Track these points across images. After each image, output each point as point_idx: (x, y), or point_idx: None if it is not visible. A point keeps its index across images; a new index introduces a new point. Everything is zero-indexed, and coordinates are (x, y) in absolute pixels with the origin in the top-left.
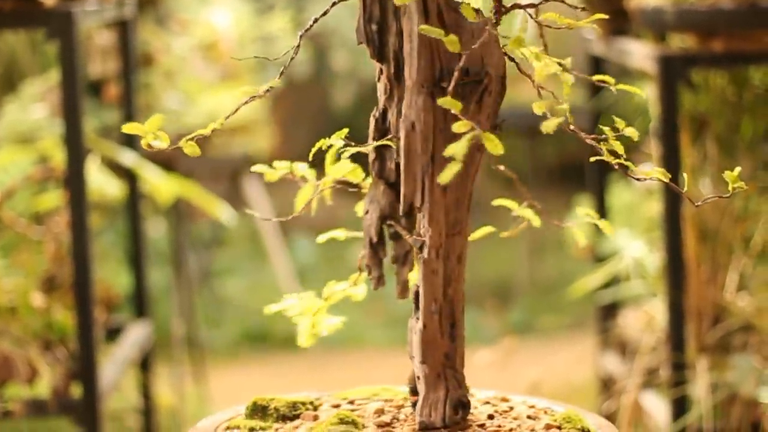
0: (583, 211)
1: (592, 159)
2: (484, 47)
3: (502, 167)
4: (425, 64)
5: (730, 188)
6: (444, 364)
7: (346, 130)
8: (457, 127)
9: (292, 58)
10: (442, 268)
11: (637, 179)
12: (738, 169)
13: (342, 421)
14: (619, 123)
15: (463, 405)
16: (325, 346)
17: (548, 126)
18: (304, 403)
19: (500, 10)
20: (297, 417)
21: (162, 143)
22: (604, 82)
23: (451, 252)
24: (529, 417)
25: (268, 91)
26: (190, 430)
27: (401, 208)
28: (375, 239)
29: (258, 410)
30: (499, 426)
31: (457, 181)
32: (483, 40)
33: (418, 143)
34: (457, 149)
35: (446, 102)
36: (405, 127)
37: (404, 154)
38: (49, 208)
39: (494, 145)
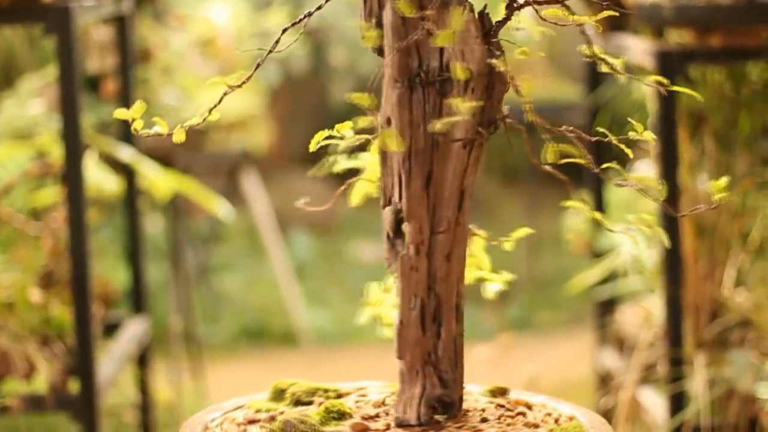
0: (639, 220)
1: (560, 162)
2: (465, 43)
3: (548, 167)
4: (399, 59)
5: (715, 198)
6: (424, 361)
7: (349, 123)
8: (361, 121)
9: (270, 51)
10: (425, 265)
11: (620, 185)
12: (725, 179)
13: (327, 411)
14: (638, 127)
15: (445, 404)
16: (323, 341)
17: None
18: (327, 390)
19: (512, 7)
20: (312, 403)
21: (160, 129)
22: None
23: (437, 250)
24: (526, 425)
25: (245, 82)
26: (214, 405)
27: (381, 202)
28: (392, 233)
29: (277, 394)
30: (479, 430)
31: (442, 178)
32: (418, 36)
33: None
34: (342, 145)
35: (357, 97)
36: (381, 122)
37: (380, 149)
38: (47, 203)
39: (392, 142)
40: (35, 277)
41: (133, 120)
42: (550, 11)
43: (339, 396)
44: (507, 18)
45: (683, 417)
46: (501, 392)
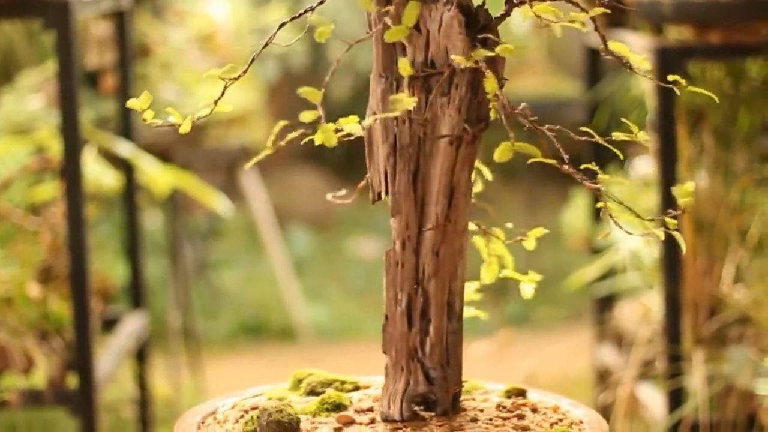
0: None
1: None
2: (447, 38)
3: (568, 168)
4: (384, 54)
5: (680, 202)
6: (410, 357)
7: (354, 118)
8: (303, 115)
9: (267, 44)
10: (413, 261)
11: (590, 188)
12: (691, 183)
13: (323, 402)
14: (633, 128)
15: (430, 402)
16: (322, 337)
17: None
18: (344, 382)
19: (512, 3)
20: (323, 393)
21: (173, 119)
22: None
23: (425, 246)
24: (515, 427)
25: (241, 75)
26: (236, 392)
27: (371, 197)
28: None
29: (295, 384)
30: (461, 428)
31: (429, 174)
32: (377, 31)
33: (379, 133)
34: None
35: (303, 91)
36: (367, 116)
37: (367, 144)
38: (46, 198)
39: (326, 137)
40: (34, 272)
41: (143, 110)
42: (542, 7)
43: (356, 388)
44: (506, 14)
45: (682, 413)
46: (518, 393)
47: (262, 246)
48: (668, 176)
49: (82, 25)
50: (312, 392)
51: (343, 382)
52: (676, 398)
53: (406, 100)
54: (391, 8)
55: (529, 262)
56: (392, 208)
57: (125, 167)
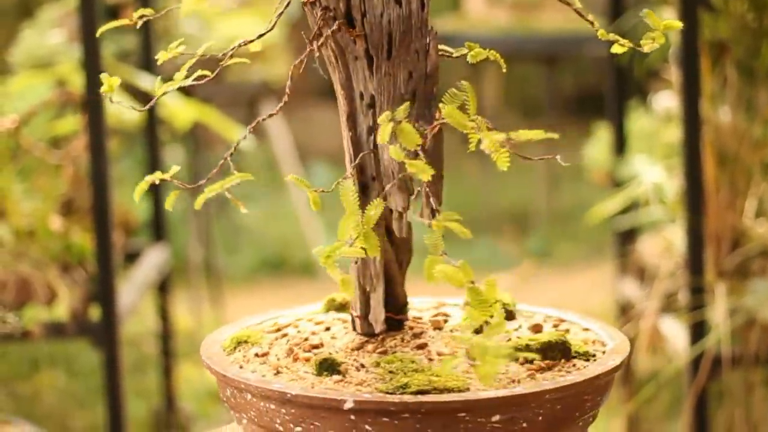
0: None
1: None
2: None
3: None
4: None
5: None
6: None
7: None
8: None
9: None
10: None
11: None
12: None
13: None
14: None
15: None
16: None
17: None
18: None
19: None
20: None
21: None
22: None
23: None
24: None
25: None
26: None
27: None
28: None
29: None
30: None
31: None
32: None
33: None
34: None
35: None
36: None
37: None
38: (68, 132)
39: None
40: (56, 204)
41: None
42: None
43: None
44: None
45: (704, 346)
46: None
47: (283, 181)
48: (691, 110)
49: None
50: (340, 308)
51: None
52: (698, 331)
53: None
54: None
55: (551, 197)
56: None
57: (146, 101)
